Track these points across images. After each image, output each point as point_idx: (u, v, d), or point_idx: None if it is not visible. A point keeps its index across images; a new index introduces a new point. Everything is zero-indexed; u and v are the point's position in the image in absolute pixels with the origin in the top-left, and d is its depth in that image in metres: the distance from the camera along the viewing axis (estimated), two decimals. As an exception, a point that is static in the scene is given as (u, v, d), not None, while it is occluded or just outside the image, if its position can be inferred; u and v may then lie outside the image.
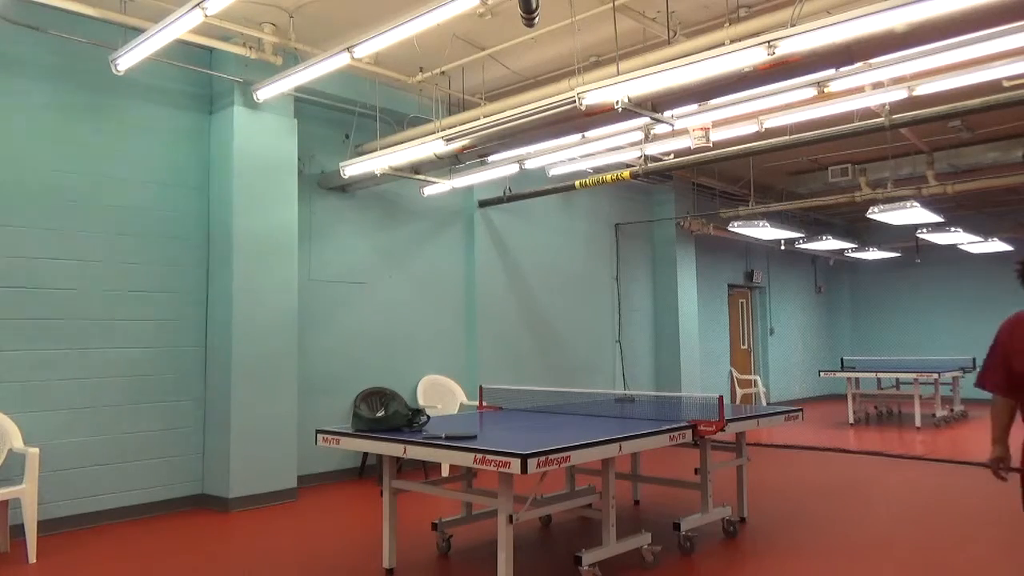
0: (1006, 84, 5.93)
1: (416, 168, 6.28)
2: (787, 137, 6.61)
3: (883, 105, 6.24)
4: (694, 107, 5.45)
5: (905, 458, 7.74)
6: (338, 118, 7.25)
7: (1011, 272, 12.49)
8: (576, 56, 6.16)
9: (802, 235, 11.19)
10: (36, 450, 4.69)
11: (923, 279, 15.19)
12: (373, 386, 7.31)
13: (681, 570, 4.19)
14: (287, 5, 5.56)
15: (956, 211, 13.19)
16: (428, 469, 6.94)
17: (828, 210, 13.46)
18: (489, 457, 3.30)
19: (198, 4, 4.20)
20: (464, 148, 5.65)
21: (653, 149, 7.20)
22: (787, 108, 6.17)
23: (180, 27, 4.49)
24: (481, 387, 5.63)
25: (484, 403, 5.55)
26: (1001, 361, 2.70)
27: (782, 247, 12.61)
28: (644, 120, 5.12)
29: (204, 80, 6.26)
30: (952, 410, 11.16)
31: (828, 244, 11.89)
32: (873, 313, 16.02)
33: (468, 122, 5.74)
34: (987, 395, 2.86)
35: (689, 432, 4.18)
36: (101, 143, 5.67)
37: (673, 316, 11.06)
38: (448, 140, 5.64)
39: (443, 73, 6.61)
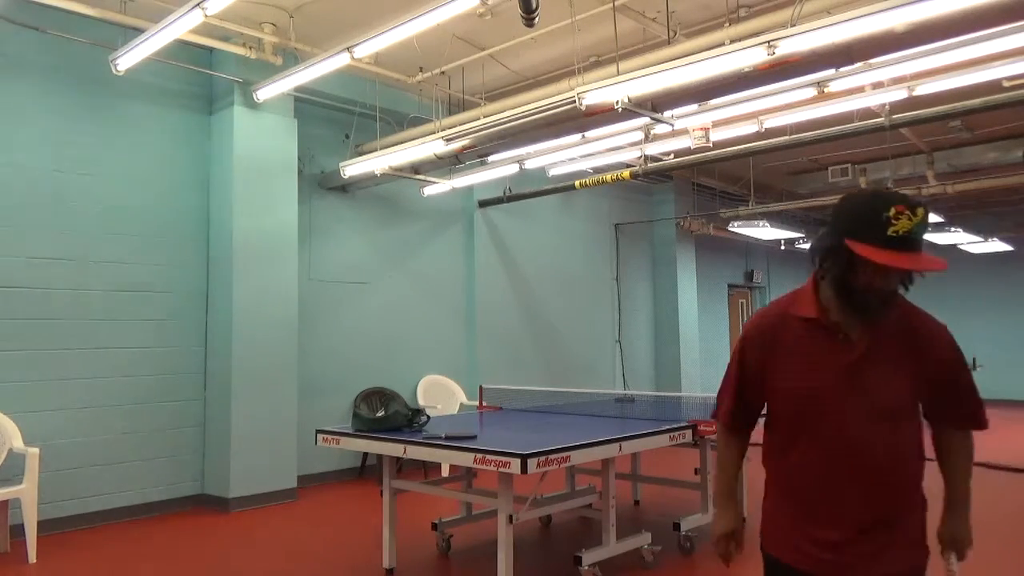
0: (1006, 84, 5.92)
1: (416, 168, 6.28)
2: (787, 137, 6.60)
3: (883, 105, 6.24)
4: (694, 107, 5.44)
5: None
6: (338, 118, 7.25)
7: (1012, 271, 12.34)
8: (576, 56, 6.16)
9: (802, 235, 11.18)
10: (36, 450, 4.69)
11: (922, 279, 15.14)
12: (373, 386, 7.31)
13: (681, 570, 4.19)
14: (287, 5, 5.56)
15: (956, 211, 13.18)
16: (428, 469, 6.93)
17: (828, 210, 13.43)
18: (489, 457, 3.30)
19: (198, 4, 4.20)
20: (464, 148, 5.65)
21: (653, 149, 7.20)
22: (787, 108, 6.16)
23: (180, 27, 4.50)
24: (481, 387, 5.64)
25: (484, 403, 5.55)
26: (734, 380, 1.87)
27: (782, 247, 12.60)
28: (644, 120, 5.12)
29: (204, 80, 6.26)
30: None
31: (828, 244, 11.84)
32: (873, 313, 15.99)
33: (468, 122, 5.74)
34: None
35: (689, 432, 4.19)
36: (101, 143, 5.67)
37: (673, 316, 11.05)
38: (448, 140, 5.64)
39: (443, 73, 6.61)
